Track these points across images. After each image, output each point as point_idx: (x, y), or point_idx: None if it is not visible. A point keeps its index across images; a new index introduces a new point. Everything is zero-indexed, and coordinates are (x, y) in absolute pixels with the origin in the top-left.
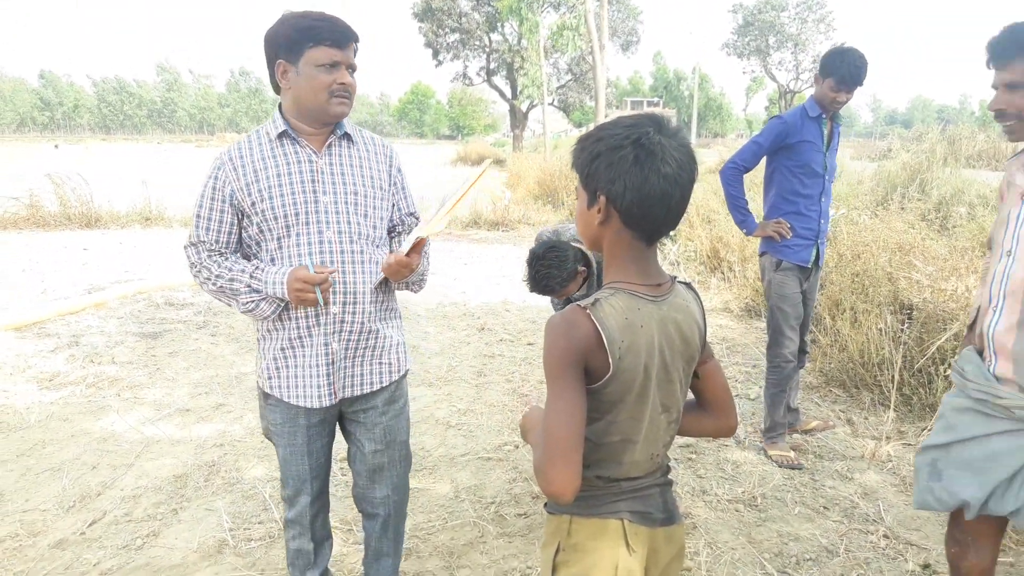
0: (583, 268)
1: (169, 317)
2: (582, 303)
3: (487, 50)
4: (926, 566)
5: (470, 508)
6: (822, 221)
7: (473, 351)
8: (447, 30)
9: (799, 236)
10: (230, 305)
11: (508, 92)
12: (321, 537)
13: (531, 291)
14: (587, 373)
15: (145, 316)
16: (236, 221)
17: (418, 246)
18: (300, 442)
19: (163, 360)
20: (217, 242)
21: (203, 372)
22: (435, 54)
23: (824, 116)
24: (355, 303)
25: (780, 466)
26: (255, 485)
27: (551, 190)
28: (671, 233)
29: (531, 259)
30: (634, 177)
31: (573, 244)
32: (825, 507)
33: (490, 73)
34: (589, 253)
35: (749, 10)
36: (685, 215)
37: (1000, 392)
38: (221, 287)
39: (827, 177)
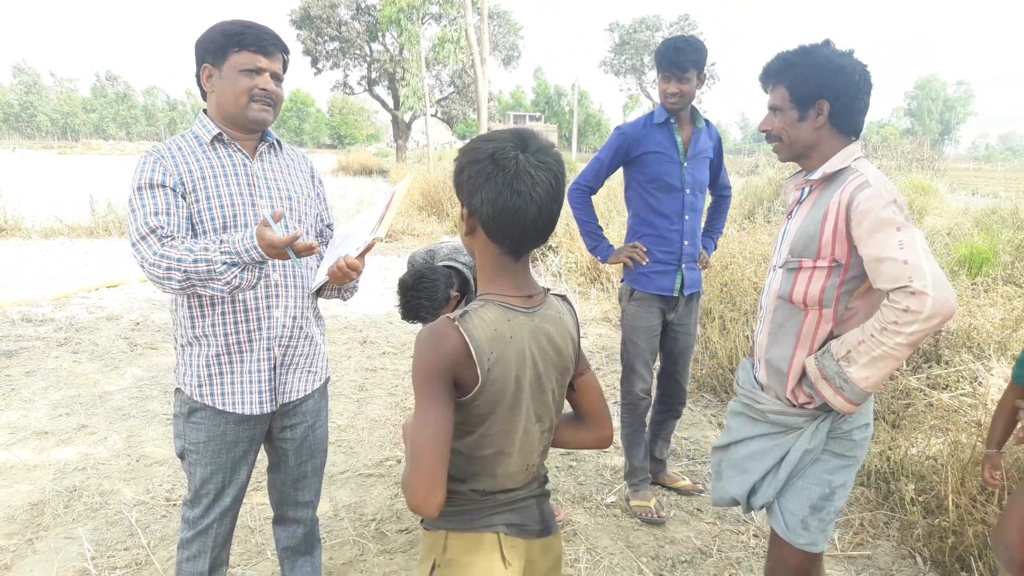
0: (456, 293)
1: (26, 334)
2: (451, 315)
3: (368, 59)
4: None
5: (349, 526)
6: (686, 243)
7: (355, 365)
8: (326, 38)
9: (658, 261)
10: (205, 289)
11: (390, 102)
12: (219, 561)
13: (403, 319)
14: (457, 386)
15: None
16: (183, 203)
17: (367, 249)
18: (224, 460)
19: (19, 380)
20: (170, 224)
21: (64, 392)
22: (314, 62)
23: (674, 121)
24: (296, 307)
25: (640, 519)
26: (120, 509)
27: (435, 201)
28: (552, 245)
29: (401, 289)
30: (488, 191)
31: (447, 263)
32: (698, 509)
33: (371, 83)
34: (465, 270)
35: (625, 29)
36: (565, 228)
37: (759, 397)
38: (187, 271)
39: (688, 191)
